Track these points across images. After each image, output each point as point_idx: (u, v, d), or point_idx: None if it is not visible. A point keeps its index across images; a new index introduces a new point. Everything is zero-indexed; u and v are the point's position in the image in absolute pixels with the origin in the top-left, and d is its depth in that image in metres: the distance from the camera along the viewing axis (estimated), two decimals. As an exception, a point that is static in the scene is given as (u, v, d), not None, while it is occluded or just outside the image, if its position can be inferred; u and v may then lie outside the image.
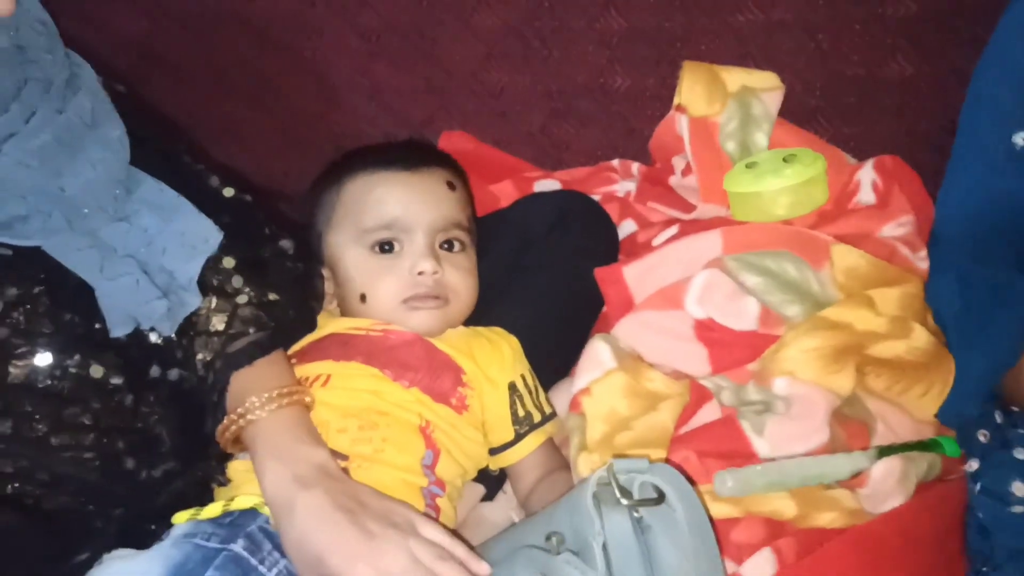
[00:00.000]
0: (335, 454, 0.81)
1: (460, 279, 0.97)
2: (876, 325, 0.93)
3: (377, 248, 0.95)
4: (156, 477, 0.83)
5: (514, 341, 0.98)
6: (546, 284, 1.04)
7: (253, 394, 0.81)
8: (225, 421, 0.81)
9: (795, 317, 0.94)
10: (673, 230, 1.07)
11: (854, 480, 0.87)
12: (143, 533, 0.82)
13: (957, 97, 1.04)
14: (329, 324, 0.96)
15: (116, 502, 0.82)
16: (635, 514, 0.70)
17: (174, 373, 0.84)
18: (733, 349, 0.96)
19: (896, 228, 1.02)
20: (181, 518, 0.80)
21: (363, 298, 0.95)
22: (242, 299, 0.86)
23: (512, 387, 0.95)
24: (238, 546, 0.76)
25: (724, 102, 1.10)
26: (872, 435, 0.92)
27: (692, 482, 0.74)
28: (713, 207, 1.08)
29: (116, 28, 1.28)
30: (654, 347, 0.97)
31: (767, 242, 0.98)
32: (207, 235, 0.85)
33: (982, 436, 0.93)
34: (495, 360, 0.95)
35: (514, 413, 0.95)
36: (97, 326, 0.79)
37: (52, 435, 0.77)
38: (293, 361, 0.91)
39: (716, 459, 0.87)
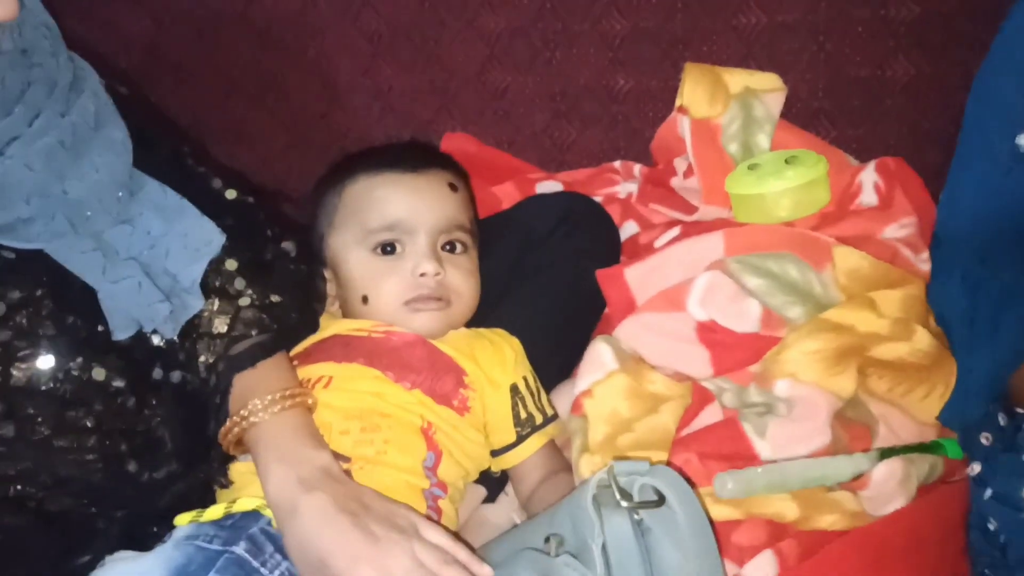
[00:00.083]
0: (337, 456, 0.81)
1: (462, 280, 0.97)
2: (878, 327, 0.93)
3: (379, 250, 0.96)
4: (158, 479, 0.83)
5: (516, 343, 0.99)
6: (548, 286, 1.04)
7: (256, 396, 0.81)
8: (228, 423, 0.82)
9: (797, 319, 0.94)
10: (675, 232, 1.08)
11: (856, 482, 0.88)
12: (145, 535, 0.82)
13: (961, 98, 1.04)
14: (331, 326, 0.96)
15: (118, 504, 0.82)
16: (635, 516, 0.70)
17: (176, 375, 0.85)
18: (735, 351, 0.96)
19: (898, 230, 1.02)
20: (183, 520, 0.80)
21: (365, 300, 0.95)
22: (244, 301, 0.86)
23: (514, 389, 0.96)
24: (240, 548, 0.76)
25: (726, 104, 1.10)
26: (874, 437, 0.92)
27: (692, 484, 0.74)
28: (715, 209, 1.08)
29: (120, 29, 1.28)
30: (656, 349, 0.97)
31: (769, 244, 0.98)
32: (210, 237, 0.85)
33: (984, 439, 0.92)
34: (497, 362, 0.96)
35: (516, 415, 0.95)
36: (100, 329, 0.80)
37: (55, 437, 0.77)
38: (295, 363, 0.91)
39: (718, 461, 0.87)
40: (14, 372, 0.76)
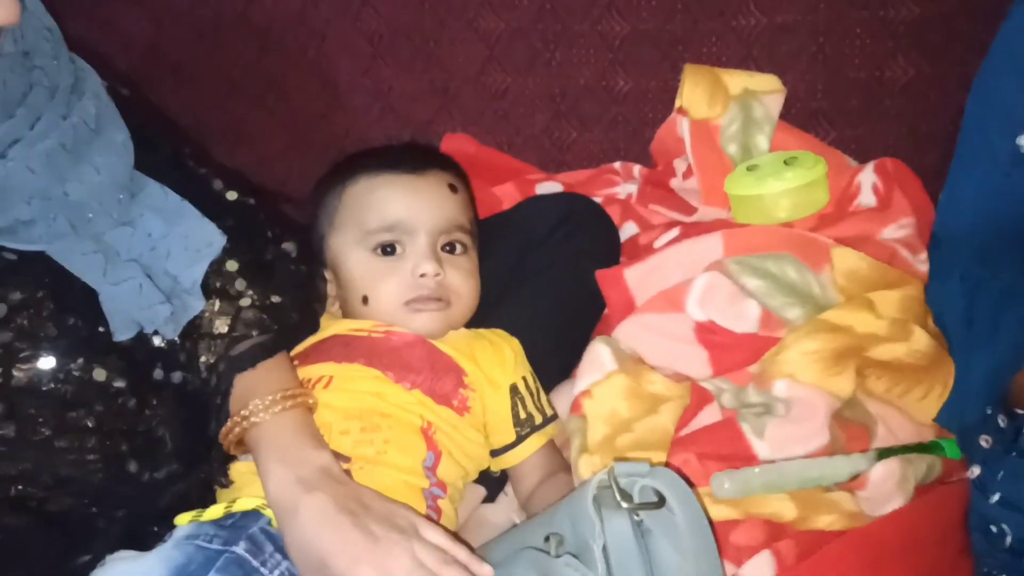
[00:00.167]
0: (337, 456, 0.82)
1: (462, 281, 0.97)
2: (876, 327, 0.93)
3: (379, 250, 0.96)
4: (159, 479, 0.83)
5: (516, 343, 0.99)
6: (548, 286, 1.04)
7: (256, 396, 0.81)
8: (228, 423, 0.82)
9: (796, 320, 0.95)
10: (674, 232, 1.08)
11: (853, 482, 0.88)
12: (146, 534, 0.82)
13: (960, 99, 1.04)
14: (331, 326, 0.96)
15: (119, 504, 0.82)
16: (635, 517, 0.70)
17: (177, 376, 0.85)
18: (734, 351, 0.96)
19: (897, 230, 1.02)
20: (183, 520, 0.80)
21: (365, 300, 0.96)
22: (245, 302, 0.87)
23: (514, 389, 0.96)
24: (240, 548, 0.77)
25: (725, 105, 1.10)
26: (872, 438, 0.92)
27: (692, 485, 0.74)
28: (714, 210, 1.08)
29: (121, 31, 1.28)
30: (655, 349, 0.98)
31: (768, 245, 0.98)
32: (210, 239, 0.86)
33: (984, 441, 0.92)
34: (497, 362, 0.96)
35: (515, 415, 0.95)
36: (101, 330, 0.80)
37: (56, 438, 0.77)
38: (295, 363, 0.91)
39: (716, 461, 0.87)
40: (15, 373, 0.76)
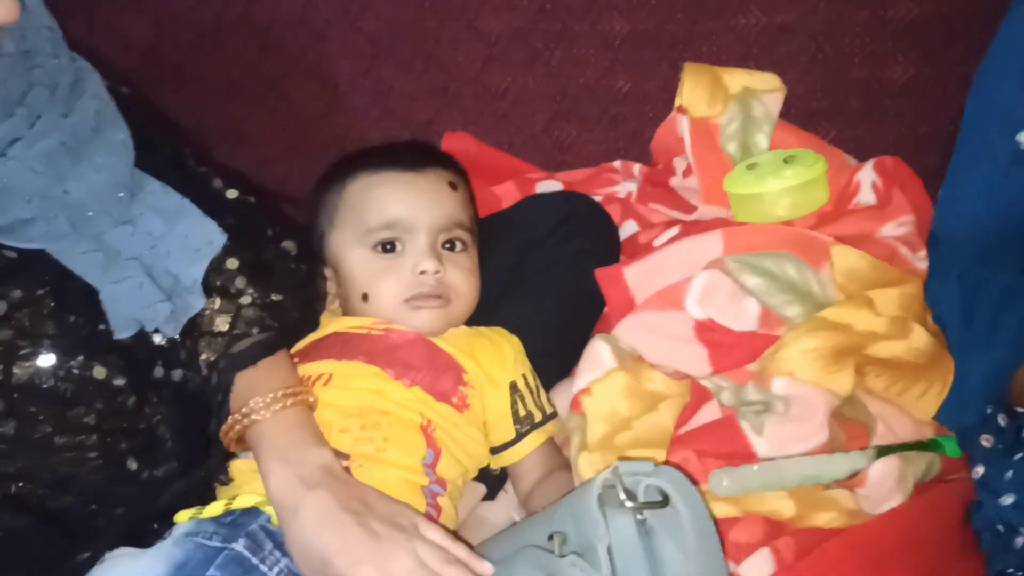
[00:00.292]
0: (337, 453, 0.82)
1: (462, 279, 0.97)
2: (876, 325, 0.93)
3: (379, 248, 0.96)
4: (159, 477, 0.83)
5: (515, 341, 0.99)
6: (548, 285, 1.04)
7: (257, 394, 0.82)
8: (229, 421, 0.82)
9: (795, 318, 0.95)
10: (674, 231, 1.08)
11: (852, 480, 0.88)
12: (145, 532, 0.82)
13: (959, 99, 1.04)
14: (331, 323, 0.97)
15: (119, 502, 0.82)
16: (639, 517, 0.70)
17: (177, 374, 0.85)
18: (733, 350, 0.96)
19: (896, 228, 1.02)
20: (183, 517, 0.80)
21: (365, 297, 0.96)
22: (245, 300, 0.87)
23: (513, 387, 0.96)
24: (239, 545, 0.77)
25: (725, 104, 1.10)
26: (872, 436, 0.92)
27: (694, 483, 0.74)
28: (714, 208, 1.08)
29: (121, 31, 1.28)
30: (655, 347, 0.98)
31: (767, 243, 0.98)
32: (211, 237, 0.86)
33: (985, 441, 0.92)
34: (496, 360, 0.96)
35: (515, 412, 0.95)
36: (101, 328, 0.80)
37: (56, 436, 0.77)
38: (295, 360, 0.91)
39: (715, 459, 0.87)
40: (15, 370, 0.76)
